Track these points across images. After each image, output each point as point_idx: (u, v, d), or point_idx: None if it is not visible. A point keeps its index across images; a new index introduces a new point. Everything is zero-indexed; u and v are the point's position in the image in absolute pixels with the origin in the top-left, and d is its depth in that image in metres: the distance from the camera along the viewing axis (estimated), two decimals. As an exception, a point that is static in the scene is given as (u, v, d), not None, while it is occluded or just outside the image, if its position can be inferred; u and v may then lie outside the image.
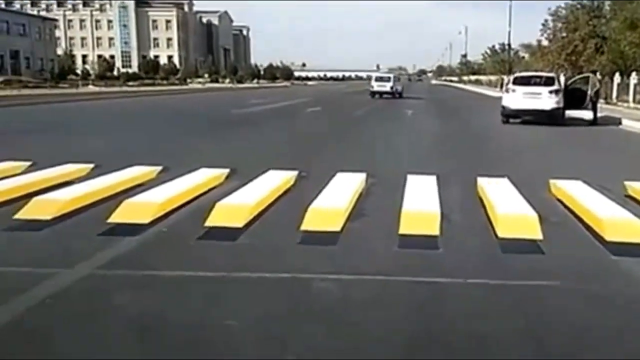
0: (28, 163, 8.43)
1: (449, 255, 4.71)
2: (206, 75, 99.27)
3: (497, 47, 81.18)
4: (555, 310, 3.73)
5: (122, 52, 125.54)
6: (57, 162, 8.25)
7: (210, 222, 5.32)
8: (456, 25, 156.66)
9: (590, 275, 4.40)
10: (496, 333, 3.37)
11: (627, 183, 7.33)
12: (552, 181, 7.39)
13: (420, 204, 5.96)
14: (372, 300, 3.82)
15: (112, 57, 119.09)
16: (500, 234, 5.14)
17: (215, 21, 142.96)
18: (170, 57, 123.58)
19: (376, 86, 37.56)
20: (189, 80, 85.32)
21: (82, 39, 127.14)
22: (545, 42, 47.12)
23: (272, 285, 4.03)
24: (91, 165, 8.27)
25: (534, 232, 5.13)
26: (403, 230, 5.18)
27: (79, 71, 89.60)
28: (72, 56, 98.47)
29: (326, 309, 3.69)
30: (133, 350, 3.10)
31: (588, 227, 5.48)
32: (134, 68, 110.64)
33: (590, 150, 12.93)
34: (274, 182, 7.21)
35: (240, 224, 5.35)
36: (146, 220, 5.41)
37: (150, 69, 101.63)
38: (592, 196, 6.58)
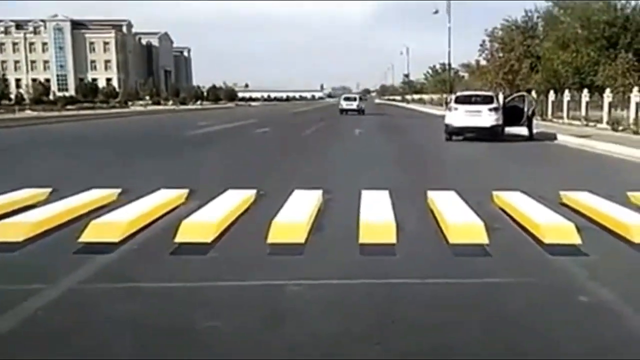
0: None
1: (406, 260, 5.14)
2: (147, 98, 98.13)
3: (437, 66, 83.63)
4: (501, 301, 4.23)
5: (57, 75, 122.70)
6: (15, 188, 8.29)
7: (179, 238, 5.60)
8: (397, 45, 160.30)
9: (531, 271, 4.93)
10: (451, 319, 3.82)
11: (561, 193, 7.98)
12: (494, 192, 7.95)
13: (376, 216, 6.38)
14: (339, 300, 4.20)
15: (48, 80, 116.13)
16: (451, 241, 5.62)
17: (156, 42, 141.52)
18: (109, 80, 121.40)
19: (345, 105, 45.31)
20: (130, 103, 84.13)
21: (16, 62, 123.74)
22: (483, 62, 49.07)
23: (248, 291, 4.35)
24: (49, 190, 8.34)
25: (481, 237, 5.64)
26: (362, 239, 5.59)
27: (12, 96, 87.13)
28: (5, 80, 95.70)
29: (299, 309, 4.04)
30: (124, 352, 3.35)
31: (528, 232, 6.03)
32: (71, 91, 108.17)
33: (528, 164, 13.75)
34: (234, 200, 7.50)
35: (208, 239, 5.65)
36: (116, 239, 5.63)
37: (88, 92, 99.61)
38: (530, 205, 7.17)
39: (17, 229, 5.84)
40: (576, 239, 5.59)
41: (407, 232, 5.91)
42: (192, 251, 5.30)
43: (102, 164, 13.15)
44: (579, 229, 5.77)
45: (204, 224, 6.07)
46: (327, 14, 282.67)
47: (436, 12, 46.30)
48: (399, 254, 5.27)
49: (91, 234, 5.69)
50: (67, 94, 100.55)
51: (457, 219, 6.22)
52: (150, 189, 8.10)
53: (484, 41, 45.79)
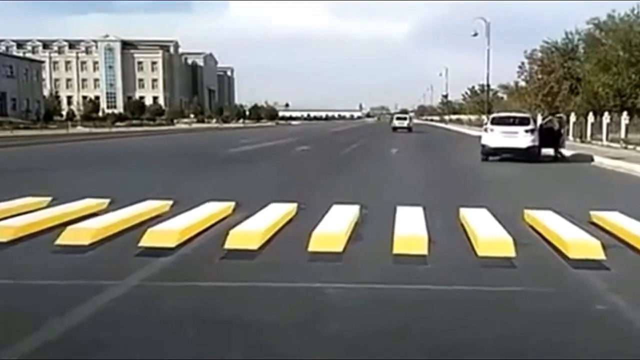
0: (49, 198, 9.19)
1: (436, 269, 5.58)
2: (192, 116, 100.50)
3: (476, 87, 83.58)
4: (524, 307, 4.63)
5: (107, 93, 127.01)
6: (80, 197, 9.02)
7: (228, 245, 6.15)
8: (436, 66, 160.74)
9: (553, 282, 5.32)
10: (477, 323, 4.23)
11: (592, 212, 8.26)
12: (526, 211, 8.28)
13: (410, 229, 6.83)
14: (374, 302, 4.67)
15: (97, 97, 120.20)
16: (480, 253, 6.03)
17: (201, 62, 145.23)
18: (155, 98, 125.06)
19: (397, 123, 53.43)
20: (175, 121, 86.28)
21: (67, 80, 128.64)
22: (522, 83, 49.05)
23: (291, 292, 4.86)
24: (108, 200, 9.02)
25: (509, 251, 6.02)
26: (396, 250, 6.05)
27: (64, 112, 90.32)
28: (57, 97, 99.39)
29: (338, 308, 4.53)
30: (184, 340, 3.88)
31: (554, 248, 6.37)
32: (119, 109, 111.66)
33: (562, 184, 13.95)
34: (277, 212, 8.03)
35: (255, 246, 6.19)
36: (172, 244, 6.21)
37: (136, 109, 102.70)
38: (559, 223, 7.48)
39: (84, 233, 6.50)
40: (600, 255, 5.91)
41: (438, 245, 6.32)
42: (240, 257, 5.84)
43: (153, 178, 13.89)
44: (604, 247, 6.08)
45: (251, 232, 6.61)
46: (366, 34, 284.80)
47: (475, 34, 46.53)
48: (429, 264, 5.70)
49: (149, 240, 6.29)
50: (115, 111, 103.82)
51: (486, 234, 6.62)
52: (198, 201, 8.66)
53: (523, 63, 45.87)
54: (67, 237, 6.37)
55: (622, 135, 26.28)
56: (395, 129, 50.95)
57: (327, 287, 4.94)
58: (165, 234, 6.50)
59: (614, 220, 7.79)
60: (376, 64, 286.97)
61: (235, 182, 13.26)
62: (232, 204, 8.72)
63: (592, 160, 19.72)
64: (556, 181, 14.79)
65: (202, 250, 6.24)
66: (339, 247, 6.21)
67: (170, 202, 8.90)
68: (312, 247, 6.10)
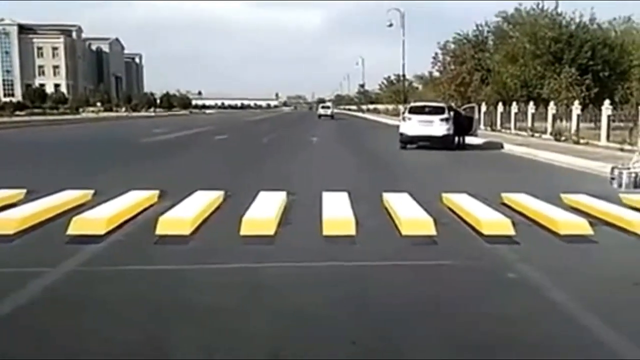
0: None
1: (365, 247, 5.89)
2: (99, 104, 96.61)
3: (392, 77, 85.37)
4: (446, 278, 5.03)
5: (3, 80, 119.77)
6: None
7: (160, 231, 6.18)
8: (353, 55, 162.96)
9: (471, 255, 5.76)
10: (403, 292, 4.56)
11: (502, 194, 8.86)
12: (443, 194, 8.77)
13: (337, 213, 7.10)
14: (309, 278, 4.93)
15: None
16: (404, 233, 6.39)
17: (106, 48, 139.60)
18: (57, 86, 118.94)
19: (322, 111, 64.00)
20: (81, 110, 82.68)
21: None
22: (436, 74, 50.65)
23: (227, 273, 5.00)
24: (24, 191, 8.74)
25: (430, 230, 6.43)
26: (326, 232, 6.31)
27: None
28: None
29: (271, 286, 4.72)
30: (123, 322, 3.95)
31: (470, 226, 6.85)
32: (18, 97, 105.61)
33: (475, 170, 14.73)
34: (204, 199, 8.08)
35: (187, 232, 6.26)
36: (101, 232, 6.18)
37: (36, 98, 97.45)
38: (474, 204, 8.01)
39: (8, 223, 6.33)
40: (511, 231, 6.46)
41: (364, 226, 6.63)
42: (173, 242, 5.91)
43: (69, 169, 13.45)
44: (514, 224, 6.63)
45: (181, 219, 6.66)
46: (282, 23, 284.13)
47: (390, 25, 47.65)
48: (358, 244, 5.99)
49: (77, 228, 6.23)
50: (13, 99, 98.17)
51: (409, 214, 7.00)
52: (120, 191, 8.52)
53: (436, 54, 47.32)
54: (-10, 227, 6.19)
55: (529, 123, 27.85)
56: (320, 116, 60.81)
57: (264, 267, 5.13)
58: (93, 222, 6.44)
59: (522, 201, 8.42)
60: (292, 53, 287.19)
61: (156, 171, 13.08)
62: (156, 192, 8.67)
63: (502, 147, 20.85)
64: (470, 167, 15.58)
65: (133, 238, 6.24)
66: (270, 231, 6.39)
67: (92, 192, 8.74)
68: (243, 231, 6.25)
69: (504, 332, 3.86)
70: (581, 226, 6.80)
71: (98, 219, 6.54)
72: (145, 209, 7.72)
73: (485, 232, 6.47)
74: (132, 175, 11.95)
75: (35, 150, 19.67)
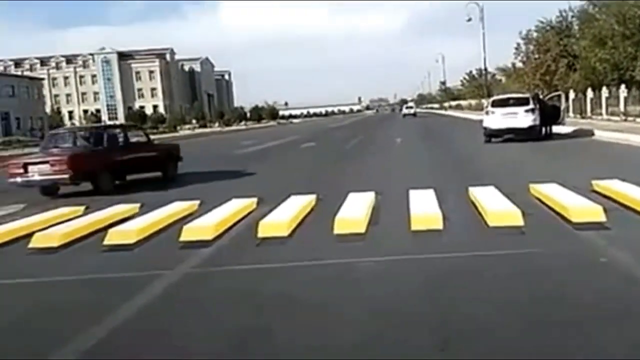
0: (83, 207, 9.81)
1: (452, 240, 6.18)
2: (194, 121, 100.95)
3: (474, 72, 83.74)
4: (536, 265, 5.23)
5: (107, 105, 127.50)
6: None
7: (261, 234, 6.75)
8: (433, 54, 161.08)
9: (560, 242, 5.93)
10: (495, 282, 4.83)
11: (593, 182, 8.81)
12: (531, 185, 8.83)
13: (424, 209, 7.40)
14: (401, 271, 5.29)
15: (98, 110, 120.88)
16: (491, 224, 6.61)
17: (197, 68, 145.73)
18: (155, 107, 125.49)
19: (405, 110, 78.37)
20: (178, 127, 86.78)
21: (67, 95, 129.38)
22: (519, 64, 49.40)
23: (326, 268, 5.46)
24: (138, 204, 9.60)
25: (517, 220, 6.60)
26: (414, 227, 6.64)
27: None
28: (59, 113, 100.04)
29: (365, 280, 5.14)
30: (236, 314, 4.48)
31: (560, 215, 6.94)
32: (121, 119, 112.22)
33: (565, 159, 14.49)
34: (298, 203, 8.60)
35: (285, 233, 6.79)
36: (209, 237, 6.82)
37: (138, 119, 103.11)
38: (563, 193, 8.03)
39: (127, 234, 7.13)
40: (602, 218, 6.49)
41: (451, 220, 6.89)
42: (273, 242, 6.45)
43: (179, 180, 14.34)
44: (605, 210, 6.64)
45: (278, 222, 7.20)
46: (362, 29, 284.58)
47: (469, 20, 46.96)
48: (445, 237, 6.28)
49: (187, 235, 6.90)
50: (117, 122, 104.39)
51: (495, 207, 7.19)
52: (223, 199, 9.21)
53: (518, 44, 46.21)
54: (113, 237, 7.02)
55: (622, 108, 26.73)
56: (404, 115, 72.28)
57: (357, 262, 5.55)
58: (202, 229, 7.09)
59: (614, 187, 8.33)
60: (373, 57, 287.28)
61: (252, 180, 13.82)
62: (255, 199, 9.26)
63: (593, 134, 20.22)
64: (558, 156, 15.33)
65: (237, 241, 6.89)
66: (361, 229, 6.79)
67: (198, 202, 9.45)
68: (337, 230, 6.70)
69: (593, 309, 4.06)
70: (677, 209, 6.74)
71: (206, 227, 7.19)
72: (246, 215, 8.33)
73: (575, 219, 6.54)
74: (232, 185, 12.68)
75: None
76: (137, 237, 7.03)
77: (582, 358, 3.38)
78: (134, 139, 14.71)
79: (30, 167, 12.38)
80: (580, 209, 6.86)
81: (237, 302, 4.70)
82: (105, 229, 7.60)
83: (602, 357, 3.35)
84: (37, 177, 12.20)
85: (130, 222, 8.00)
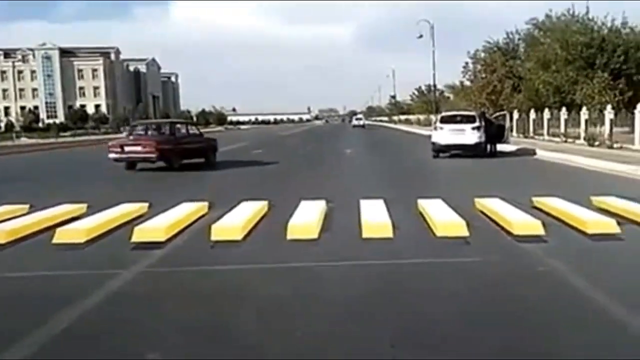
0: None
1: (402, 247, 6.43)
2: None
3: (423, 88, 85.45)
4: (478, 272, 5.54)
5: (46, 102, 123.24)
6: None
7: (214, 237, 6.80)
8: (383, 67, 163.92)
9: (501, 253, 6.26)
10: (441, 286, 5.06)
11: (534, 198, 9.25)
12: (476, 199, 9.19)
13: (375, 218, 7.62)
14: (353, 274, 5.48)
15: (36, 107, 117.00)
16: (438, 234, 6.88)
17: (143, 69, 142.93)
18: (97, 106, 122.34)
19: (355, 122, 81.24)
20: (121, 129, 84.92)
21: (4, 90, 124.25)
22: (467, 83, 50.77)
23: (278, 271, 5.58)
24: (85, 205, 9.46)
25: (463, 231, 6.89)
26: (365, 235, 6.84)
27: (1, 124, 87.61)
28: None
29: (324, 280, 5.30)
30: (193, 309, 4.55)
31: (502, 228, 7.28)
32: (60, 118, 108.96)
33: (508, 176, 15.08)
34: (250, 209, 8.68)
35: (239, 237, 6.87)
36: (162, 238, 6.83)
37: (78, 118, 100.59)
38: (505, 207, 8.41)
39: (76, 233, 7.04)
40: (540, 231, 6.87)
41: (401, 230, 7.13)
42: (226, 245, 6.52)
43: (124, 185, 14.24)
44: (544, 225, 7.04)
45: (232, 226, 7.27)
46: (312, 37, 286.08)
47: (420, 36, 48.07)
48: (396, 245, 6.50)
49: (139, 236, 6.88)
50: (57, 120, 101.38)
51: (442, 218, 7.48)
52: (173, 203, 9.16)
53: (467, 63, 47.52)
54: (62, 236, 6.93)
55: (562, 129, 27.92)
56: (354, 126, 75.51)
57: (312, 266, 5.69)
58: (153, 230, 7.07)
59: (553, 204, 8.78)
60: (323, 67, 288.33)
61: (201, 185, 13.79)
62: (206, 203, 9.29)
63: (535, 153, 21.07)
64: (503, 173, 15.93)
65: (191, 243, 6.93)
66: (314, 235, 6.95)
67: (147, 204, 9.39)
68: (290, 236, 6.82)
69: (529, 311, 4.34)
70: (608, 225, 7.15)
71: (158, 228, 7.18)
72: (198, 219, 8.35)
73: (516, 232, 6.90)
74: (181, 189, 12.66)
75: (86, 168, 20.73)
76: (87, 237, 6.96)
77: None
78: (191, 132, 19.72)
79: (125, 148, 17.05)
80: (521, 222, 7.23)
81: (190, 301, 4.80)
82: (52, 228, 7.51)
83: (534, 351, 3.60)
84: (131, 155, 16.84)
85: (78, 222, 7.90)
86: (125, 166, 17.12)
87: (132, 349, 3.81)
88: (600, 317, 4.27)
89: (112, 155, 17.11)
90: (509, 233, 6.97)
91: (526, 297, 4.79)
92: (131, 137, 18.66)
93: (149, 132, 19.09)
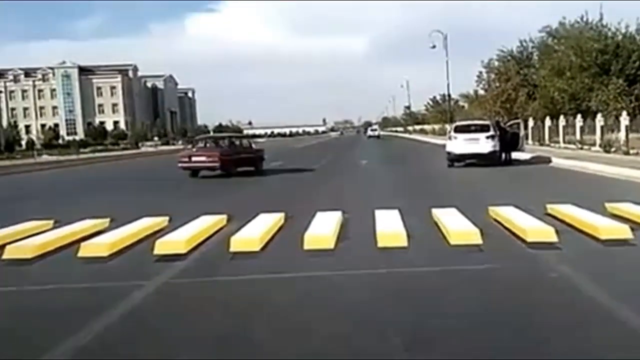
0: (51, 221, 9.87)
1: (417, 256, 6.57)
2: (156, 138, 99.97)
3: (438, 97, 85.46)
4: (492, 278, 5.68)
5: (66, 119, 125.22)
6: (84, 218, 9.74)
7: (233, 248, 7.00)
8: (397, 78, 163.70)
9: (515, 259, 6.39)
10: (456, 292, 5.21)
11: (547, 205, 9.33)
12: (490, 207, 9.30)
13: (390, 227, 7.77)
14: (369, 283, 5.64)
15: (57, 125, 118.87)
16: (452, 242, 7.01)
17: (161, 85, 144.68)
18: (116, 123, 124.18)
19: (370, 132, 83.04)
20: (140, 144, 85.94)
21: (25, 109, 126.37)
22: (481, 92, 50.80)
23: (295, 280, 5.78)
24: (108, 219, 9.71)
25: (477, 239, 7.02)
26: (380, 244, 7.00)
27: (23, 142, 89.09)
28: (16, 127, 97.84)
29: (341, 289, 5.47)
30: (215, 317, 4.74)
31: (515, 235, 7.40)
32: (80, 135, 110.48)
33: (523, 184, 15.15)
34: (268, 221, 8.87)
35: (257, 248, 7.06)
36: (183, 251, 7.04)
37: (97, 135, 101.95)
38: (519, 215, 8.52)
39: (100, 247, 7.28)
40: (553, 238, 6.97)
41: (416, 239, 7.26)
42: (245, 257, 6.72)
43: (145, 199, 14.47)
44: (557, 232, 7.13)
45: (249, 238, 7.46)
46: (326, 50, 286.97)
47: (434, 47, 48.20)
48: (410, 253, 6.65)
49: (161, 249, 7.10)
50: (76, 137, 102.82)
51: (456, 226, 7.61)
52: (194, 215, 9.40)
53: (481, 72, 47.60)
54: (87, 250, 7.16)
55: (577, 136, 27.84)
56: (369, 137, 77.63)
57: (329, 275, 5.87)
58: (174, 243, 7.28)
59: (567, 210, 8.86)
60: (337, 79, 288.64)
61: (220, 199, 14.03)
62: (225, 216, 9.49)
63: (550, 161, 21.08)
64: (517, 181, 15.99)
65: (210, 255, 7.13)
66: (330, 245, 7.11)
67: (167, 218, 9.60)
68: (307, 246, 7.00)
69: (542, 316, 4.46)
70: (622, 231, 7.23)
71: (179, 241, 7.40)
72: (217, 231, 8.56)
73: (529, 239, 7.00)
74: (201, 203, 12.85)
75: (110, 183, 21.30)
76: (110, 251, 7.19)
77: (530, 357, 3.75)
78: (244, 144, 22.84)
79: (192, 158, 20.15)
80: (534, 229, 7.33)
81: (212, 310, 5.00)
82: (77, 242, 7.74)
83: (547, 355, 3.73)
84: (197, 165, 19.80)
85: (101, 236, 8.14)
86: (190, 174, 19.89)
87: (157, 357, 3.99)
88: (610, 322, 4.36)
89: (181, 165, 19.97)
90: (522, 240, 7.07)
91: (537, 302, 4.91)
92: (195, 150, 21.57)
93: (208, 145, 22.06)
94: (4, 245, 7.58)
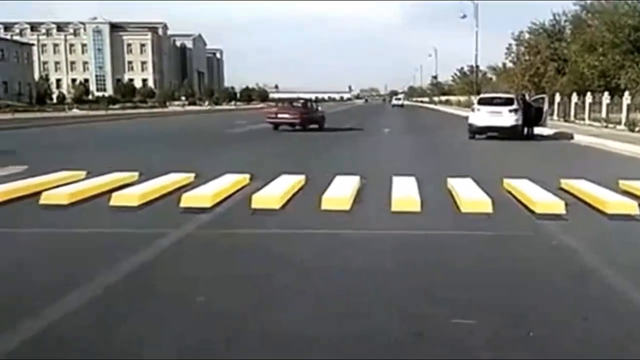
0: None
1: (428, 220, 6.93)
2: (183, 98, 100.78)
3: (465, 69, 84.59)
4: (497, 243, 6.04)
5: (96, 75, 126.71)
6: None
7: (255, 205, 7.41)
8: (425, 47, 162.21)
9: (521, 228, 6.70)
10: (463, 254, 5.59)
11: (561, 180, 9.55)
12: (505, 179, 9.56)
13: (405, 193, 8.10)
14: (380, 241, 6.06)
15: (87, 80, 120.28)
16: (463, 210, 7.33)
17: (190, 45, 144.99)
18: (144, 81, 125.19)
19: (394, 102, 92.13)
20: (167, 103, 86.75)
21: (56, 63, 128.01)
22: (510, 65, 50.29)
23: (311, 235, 6.20)
24: (137, 173, 10.19)
25: (487, 208, 7.33)
26: (394, 208, 7.35)
27: (54, 95, 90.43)
28: (47, 80, 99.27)
29: (354, 245, 5.89)
30: (236, 263, 5.18)
31: (525, 207, 7.68)
32: (109, 91, 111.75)
33: (542, 158, 15.30)
34: (289, 182, 9.25)
35: (277, 206, 7.47)
36: (208, 205, 7.48)
37: (126, 92, 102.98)
38: (532, 188, 8.76)
39: (131, 197, 7.76)
40: (562, 211, 7.25)
41: (429, 205, 7.59)
42: (265, 213, 7.14)
43: (172, 156, 14.98)
44: (567, 205, 7.40)
45: (271, 196, 7.87)
46: (355, 16, 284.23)
47: (464, 16, 47.66)
48: (422, 218, 7.00)
49: (187, 202, 7.55)
50: (105, 94, 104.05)
51: (469, 195, 7.92)
52: (217, 173, 9.83)
53: (510, 45, 47.05)
54: (119, 199, 7.66)
55: (603, 114, 27.61)
56: (393, 106, 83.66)
57: (342, 232, 6.26)
58: (199, 197, 7.74)
59: (580, 186, 9.07)
60: (365, 46, 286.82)
61: (243, 158, 14.45)
62: (248, 175, 9.89)
63: (572, 137, 21.08)
64: (536, 156, 16.13)
65: (232, 210, 7.59)
66: (346, 207, 7.49)
67: (193, 175, 10.04)
68: (324, 207, 7.38)
69: (541, 277, 4.82)
70: (630, 206, 7.46)
71: (204, 195, 7.84)
72: (240, 189, 8.98)
73: (538, 211, 7.29)
74: (225, 161, 13.32)
75: (138, 140, 21.80)
76: (140, 201, 7.66)
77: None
78: (314, 107, 27.93)
79: (278, 114, 25.48)
80: (544, 202, 7.61)
81: (235, 257, 5.46)
82: (107, 192, 8.23)
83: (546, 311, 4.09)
84: (282, 120, 25.11)
85: (131, 188, 8.62)
86: (273, 127, 24.97)
87: (183, 293, 4.43)
88: (604, 289, 4.64)
89: (268, 120, 25.43)
90: (531, 211, 7.37)
91: (538, 267, 5.24)
92: (279, 108, 26.61)
93: (294, 105, 26.93)
94: (40, 192, 8.09)
